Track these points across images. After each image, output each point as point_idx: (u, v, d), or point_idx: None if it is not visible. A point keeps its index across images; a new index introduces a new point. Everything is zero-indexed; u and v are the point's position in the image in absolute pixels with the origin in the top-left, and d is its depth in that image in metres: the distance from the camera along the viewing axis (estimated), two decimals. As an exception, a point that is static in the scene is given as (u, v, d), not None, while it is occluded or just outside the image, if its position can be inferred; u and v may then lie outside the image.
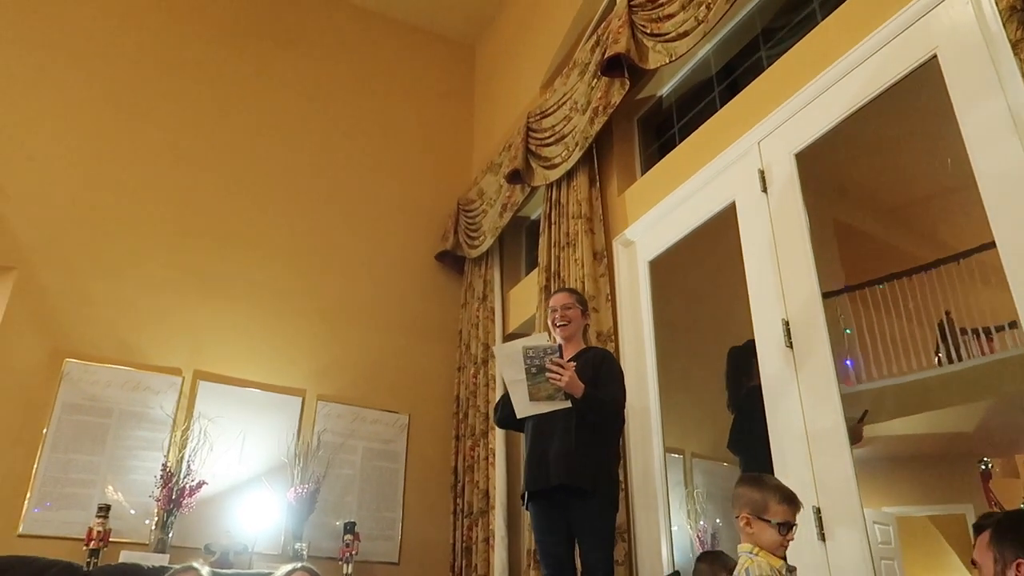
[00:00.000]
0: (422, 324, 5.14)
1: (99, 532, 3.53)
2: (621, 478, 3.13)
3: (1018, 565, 1.59)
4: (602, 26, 3.95)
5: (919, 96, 2.66)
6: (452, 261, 5.39)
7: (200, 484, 3.89)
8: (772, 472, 2.67)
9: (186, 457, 3.95)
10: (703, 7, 3.19)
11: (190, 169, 4.73)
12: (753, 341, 2.96)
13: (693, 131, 3.55)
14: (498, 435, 4.28)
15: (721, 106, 3.44)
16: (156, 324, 4.29)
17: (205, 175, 4.76)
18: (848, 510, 2.42)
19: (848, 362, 4.81)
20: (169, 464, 3.90)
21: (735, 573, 1.98)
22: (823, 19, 2.94)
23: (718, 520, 4.04)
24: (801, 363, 2.70)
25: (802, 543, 2.40)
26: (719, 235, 3.34)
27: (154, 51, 4.89)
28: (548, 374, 2.61)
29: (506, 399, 2.87)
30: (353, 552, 4.03)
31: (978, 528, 1.79)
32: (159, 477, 3.84)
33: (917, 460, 5.37)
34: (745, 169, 3.16)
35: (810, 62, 2.90)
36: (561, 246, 3.99)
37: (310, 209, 5.05)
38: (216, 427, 4.15)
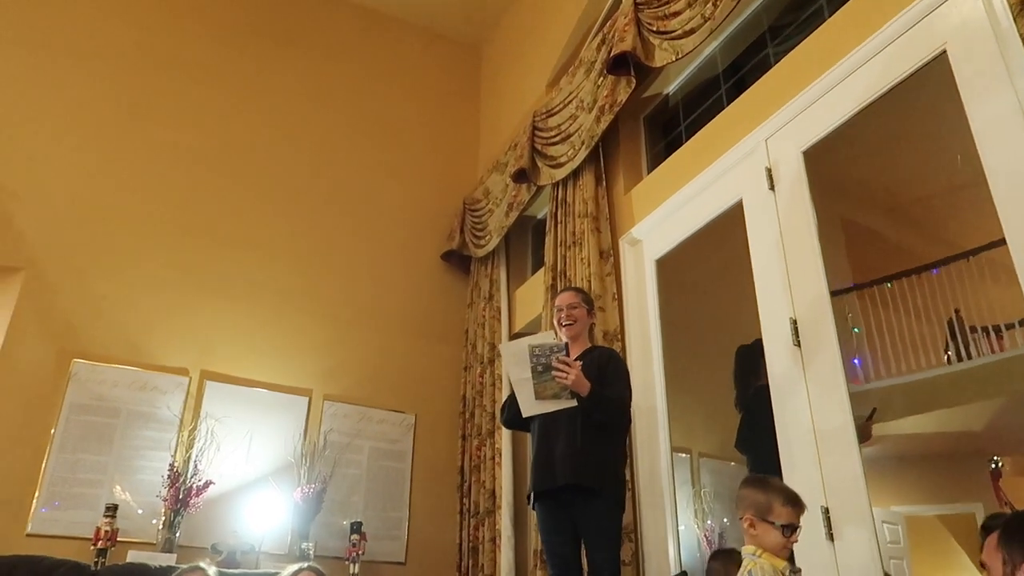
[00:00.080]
0: (428, 324, 5.13)
1: (107, 532, 3.54)
2: (628, 477, 3.13)
3: (1028, 566, 1.57)
4: (608, 24, 3.94)
5: (928, 92, 2.64)
6: (458, 261, 5.38)
7: (207, 484, 3.90)
8: (780, 471, 2.66)
9: (193, 457, 3.96)
10: (710, 4, 3.18)
11: (195, 168, 4.73)
12: (761, 340, 2.94)
13: (700, 129, 3.53)
14: (504, 435, 4.28)
15: (728, 104, 3.42)
16: (163, 324, 4.30)
17: (210, 174, 4.76)
18: (856, 509, 2.40)
19: (856, 361, 4.78)
20: (176, 464, 3.91)
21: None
22: (831, 15, 2.92)
23: (725, 520, 4.03)
24: (809, 362, 2.69)
25: (810, 543, 2.38)
26: (726, 233, 3.32)
27: (155, 51, 4.89)
28: (554, 372, 2.60)
29: (513, 399, 2.86)
30: (359, 552, 4.03)
31: (986, 529, 1.77)
32: (166, 477, 3.85)
33: (926, 459, 5.35)
34: (752, 167, 3.14)
35: (818, 59, 2.88)
36: (567, 245, 3.97)
37: (316, 209, 5.05)
38: (223, 427, 4.16)
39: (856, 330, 4.89)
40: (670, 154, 3.76)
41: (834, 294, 2.75)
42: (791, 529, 1.94)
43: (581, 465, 2.69)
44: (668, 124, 4.17)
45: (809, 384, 2.66)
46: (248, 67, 5.19)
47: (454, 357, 5.09)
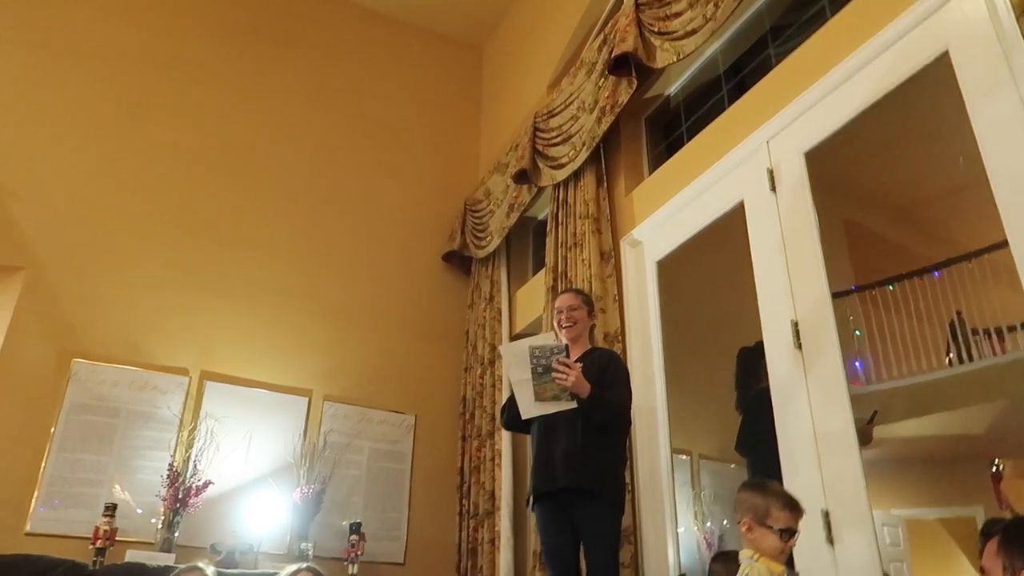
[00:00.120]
0: (429, 324, 5.13)
1: (105, 531, 3.54)
2: (627, 480, 3.11)
3: (1028, 572, 1.56)
4: (609, 25, 3.93)
5: (930, 94, 2.63)
6: (459, 261, 5.38)
7: (206, 484, 3.90)
8: (780, 474, 2.65)
9: (193, 457, 3.96)
10: (711, 5, 3.17)
11: (195, 168, 4.73)
12: (762, 342, 2.93)
13: (701, 130, 3.52)
14: (504, 436, 4.27)
15: (729, 105, 3.41)
16: (164, 324, 4.30)
17: (210, 174, 4.76)
18: (857, 512, 2.39)
19: (858, 363, 4.78)
20: (176, 464, 3.91)
21: None
22: (832, 16, 2.91)
23: (725, 522, 4.02)
24: (810, 364, 2.68)
25: (810, 546, 2.37)
26: (727, 235, 3.31)
27: (155, 51, 4.89)
28: (555, 374, 2.59)
29: (513, 401, 2.85)
30: (359, 552, 4.03)
31: (985, 534, 1.76)
32: (166, 477, 3.85)
33: (927, 462, 5.34)
34: (754, 168, 3.13)
35: (819, 60, 2.87)
36: (568, 246, 3.97)
37: (316, 209, 5.05)
38: (223, 427, 4.15)
39: (857, 332, 4.88)
40: (671, 155, 3.75)
41: (835, 296, 2.73)
42: (789, 533, 1.94)
43: (581, 467, 2.68)
44: (669, 125, 4.16)
45: (810, 386, 2.65)
46: (248, 67, 5.18)
47: (454, 358, 5.09)
